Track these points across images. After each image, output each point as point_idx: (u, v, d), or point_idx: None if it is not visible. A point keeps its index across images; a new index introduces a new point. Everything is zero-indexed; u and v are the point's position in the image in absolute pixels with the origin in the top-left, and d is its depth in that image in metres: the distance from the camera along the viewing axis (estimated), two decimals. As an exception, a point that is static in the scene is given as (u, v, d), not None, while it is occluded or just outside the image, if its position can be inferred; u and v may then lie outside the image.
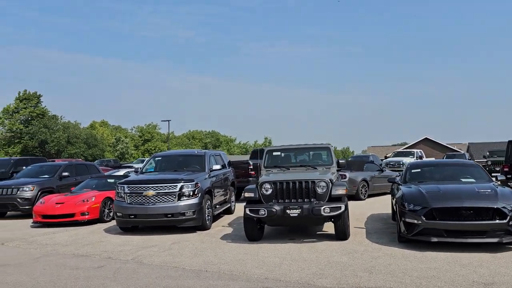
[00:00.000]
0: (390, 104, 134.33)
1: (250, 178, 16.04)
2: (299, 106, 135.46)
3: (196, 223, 9.52)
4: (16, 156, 49.43)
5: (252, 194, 8.14)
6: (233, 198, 13.01)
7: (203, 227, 9.72)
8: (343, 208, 7.73)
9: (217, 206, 11.19)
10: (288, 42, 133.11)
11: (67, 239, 9.30)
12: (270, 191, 8.00)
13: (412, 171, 9.15)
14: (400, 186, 8.43)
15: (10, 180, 14.28)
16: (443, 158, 30.70)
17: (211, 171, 10.93)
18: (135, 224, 9.86)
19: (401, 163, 28.74)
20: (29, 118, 60.81)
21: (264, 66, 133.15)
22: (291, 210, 7.72)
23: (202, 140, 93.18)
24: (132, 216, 9.45)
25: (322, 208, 7.63)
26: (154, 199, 9.36)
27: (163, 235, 9.25)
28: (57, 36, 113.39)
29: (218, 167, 11.36)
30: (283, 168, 9.34)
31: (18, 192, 13.00)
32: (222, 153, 13.52)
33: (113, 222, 11.08)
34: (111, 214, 11.72)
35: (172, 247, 8.01)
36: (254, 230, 8.24)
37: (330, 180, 8.04)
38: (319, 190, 7.87)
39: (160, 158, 11.78)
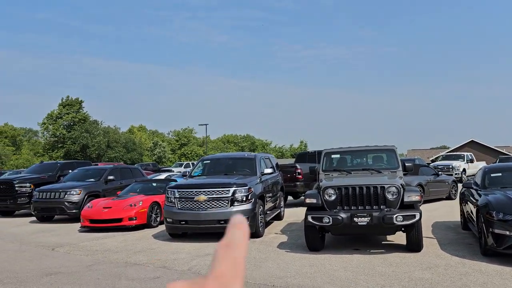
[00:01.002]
0: (428, 106, 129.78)
1: (298, 183, 15.42)
2: (333, 108, 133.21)
3: (249, 230, 8.94)
4: (60, 160, 50.78)
5: (314, 200, 7.47)
6: (282, 203, 12.39)
7: (256, 235, 9.15)
8: (418, 217, 6.95)
9: (268, 212, 10.59)
10: (323, 44, 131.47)
11: (117, 245, 8.95)
12: (334, 197, 7.32)
13: (492, 175, 8.20)
14: (480, 192, 7.54)
15: (57, 184, 14.23)
16: (496, 162, 28.91)
17: (262, 175, 10.35)
18: (185, 231, 9.40)
19: (451, 166, 27.24)
20: (72, 123, 62.56)
21: (298, 68, 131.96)
22: (360, 218, 7.01)
23: (239, 144, 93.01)
24: (183, 222, 8.99)
25: (395, 216, 6.88)
26: (206, 204, 8.86)
27: (215, 243, 8.68)
28: (98, 44, 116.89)
29: (269, 170, 10.79)
30: (344, 172, 8.63)
31: (66, 196, 12.89)
32: (271, 156, 12.94)
33: (161, 228, 10.71)
34: (158, 219, 11.35)
35: (228, 257, 7.45)
36: (315, 239, 7.58)
37: (401, 185, 7.28)
38: (390, 197, 7.12)
39: (209, 162, 11.30)
